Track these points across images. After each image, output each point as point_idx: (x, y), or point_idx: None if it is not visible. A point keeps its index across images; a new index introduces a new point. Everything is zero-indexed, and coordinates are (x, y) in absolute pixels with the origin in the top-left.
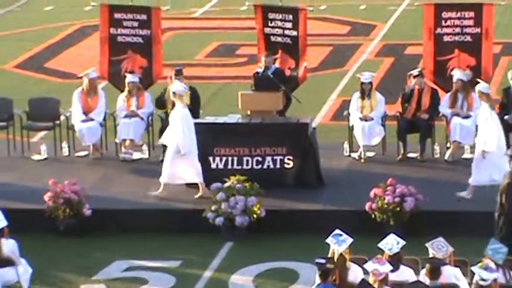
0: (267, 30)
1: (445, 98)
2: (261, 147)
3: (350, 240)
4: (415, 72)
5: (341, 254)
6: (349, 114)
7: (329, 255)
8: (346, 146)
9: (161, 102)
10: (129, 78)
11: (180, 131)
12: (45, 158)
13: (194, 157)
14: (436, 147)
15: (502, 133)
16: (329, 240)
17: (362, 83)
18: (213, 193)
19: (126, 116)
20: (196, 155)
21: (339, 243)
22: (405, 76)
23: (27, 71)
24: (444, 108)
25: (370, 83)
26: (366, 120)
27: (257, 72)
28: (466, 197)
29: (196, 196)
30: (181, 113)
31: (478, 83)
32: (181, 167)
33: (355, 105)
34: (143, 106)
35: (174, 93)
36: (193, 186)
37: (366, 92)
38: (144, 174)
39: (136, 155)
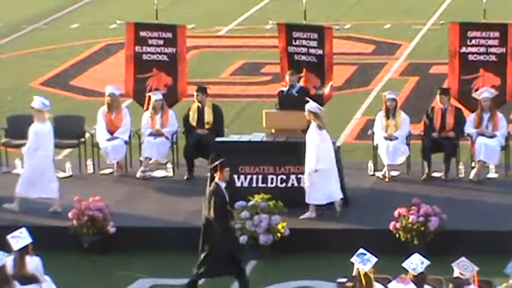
0: (291, 49)
1: (470, 117)
2: (286, 166)
3: (374, 259)
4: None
5: (366, 273)
6: (373, 133)
7: (354, 274)
8: (370, 165)
9: (187, 121)
10: (154, 96)
11: (28, 143)
12: (70, 176)
13: (44, 173)
14: (461, 167)
15: (332, 151)
16: (354, 259)
17: (387, 100)
18: (237, 211)
19: (150, 135)
20: (49, 172)
21: (363, 263)
22: (430, 95)
23: (53, 88)
24: (469, 128)
25: (395, 100)
26: (391, 140)
27: (282, 91)
28: (311, 216)
29: (50, 210)
30: (37, 127)
31: (503, 102)
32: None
33: (380, 124)
34: (167, 124)
35: (32, 107)
36: None
37: (390, 110)
38: (168, 192)
39: (161, 173)
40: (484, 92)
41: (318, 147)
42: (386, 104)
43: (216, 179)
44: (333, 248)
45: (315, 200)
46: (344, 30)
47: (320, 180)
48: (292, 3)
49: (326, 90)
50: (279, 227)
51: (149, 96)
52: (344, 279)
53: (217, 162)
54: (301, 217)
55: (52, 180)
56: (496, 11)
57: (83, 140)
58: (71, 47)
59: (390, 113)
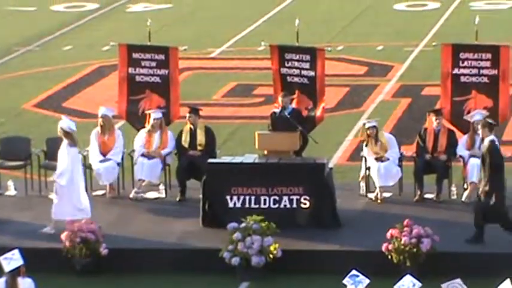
0: (284, 70)
1: (462, 139)
2: (278, 187)
3: (367, 281)
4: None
5: None
6: (364, 157)
7: None
8: (362, 186)
9: (179, 142)
10: (154, 114)
11: None
12: None
13: None
14: (453, 189)
15: (80, 168)
16: (346, 281)
17: (368, 129)
18: (229, 233)
19: (143, 155)
20: None
21: (355, 284)
22: (422, 117)
23: (46, 110)
24: (462, 150)
25: (375, 127)
26: (382, 161)
27: (274, 113)
28: (49, 232)
29: None
30: None
31: (495, 125)
32: None
33: (368, 150)
34: (166, 145)
35: None
36: (208, 225)
37: (373, 137)
38: (160, 214)
39: (153, 194)
40: (476, 115)
41: (67, 164)
42: (367, 133)
43: None
44: (325, 270)
45: (61, 216)
46: (336, 51)
47: (66, 196)
48: (285, 25)
49: (318, 111)
50: (272, 248)
51: (149, 114)
52: None
53: None
54: (42, 231)
55: None
56: (488, 32)
57: None
58: (64, 68)
59: (374, 140)
